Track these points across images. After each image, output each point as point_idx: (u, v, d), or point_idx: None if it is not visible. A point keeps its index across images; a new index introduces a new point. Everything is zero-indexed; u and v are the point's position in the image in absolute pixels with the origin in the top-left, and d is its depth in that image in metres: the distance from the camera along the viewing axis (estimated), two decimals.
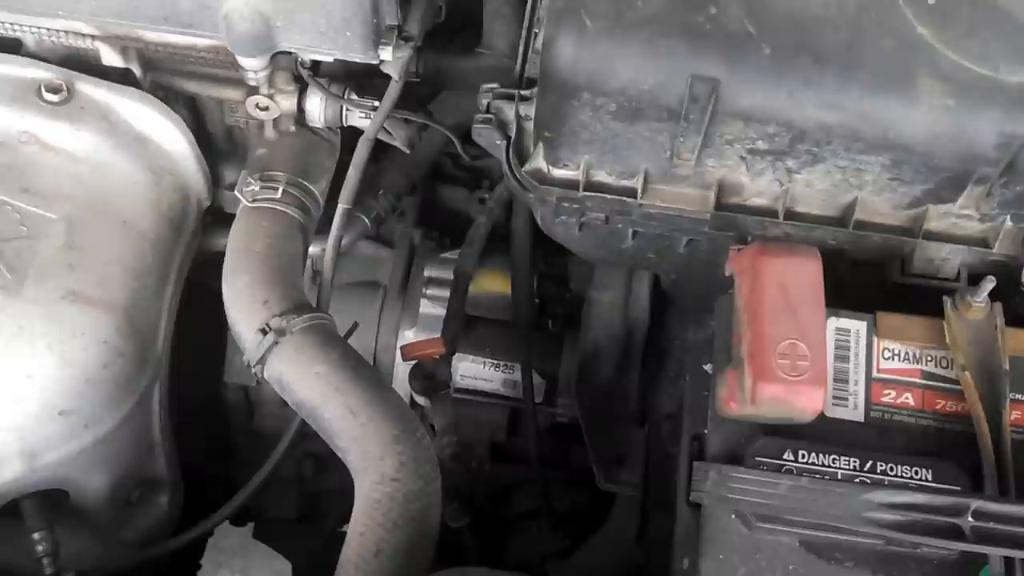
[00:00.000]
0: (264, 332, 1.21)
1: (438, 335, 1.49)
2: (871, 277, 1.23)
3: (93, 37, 1.30)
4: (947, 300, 1.14)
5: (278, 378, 1.21)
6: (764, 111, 1.09)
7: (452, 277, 1.56)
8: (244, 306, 1.25)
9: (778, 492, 1.02)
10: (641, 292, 1.54)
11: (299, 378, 1.19)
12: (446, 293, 1.55)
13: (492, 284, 1.63)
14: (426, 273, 1.63)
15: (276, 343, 1.20)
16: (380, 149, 1.47)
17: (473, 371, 1.60)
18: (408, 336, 1.60)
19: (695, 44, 1.07)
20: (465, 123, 1.34)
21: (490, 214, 1.56)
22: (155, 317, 1.32)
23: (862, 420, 1.10)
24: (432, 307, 1.60)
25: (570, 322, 1.62)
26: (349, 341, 1.28)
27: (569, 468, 1.66)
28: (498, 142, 1.20)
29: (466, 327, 1.58)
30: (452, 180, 1.77)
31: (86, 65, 1.32)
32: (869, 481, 1.05)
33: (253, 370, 1.22)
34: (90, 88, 1.31)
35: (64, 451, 1.25)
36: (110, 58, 1.32)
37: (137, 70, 1.33)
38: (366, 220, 1.53)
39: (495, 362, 1.60)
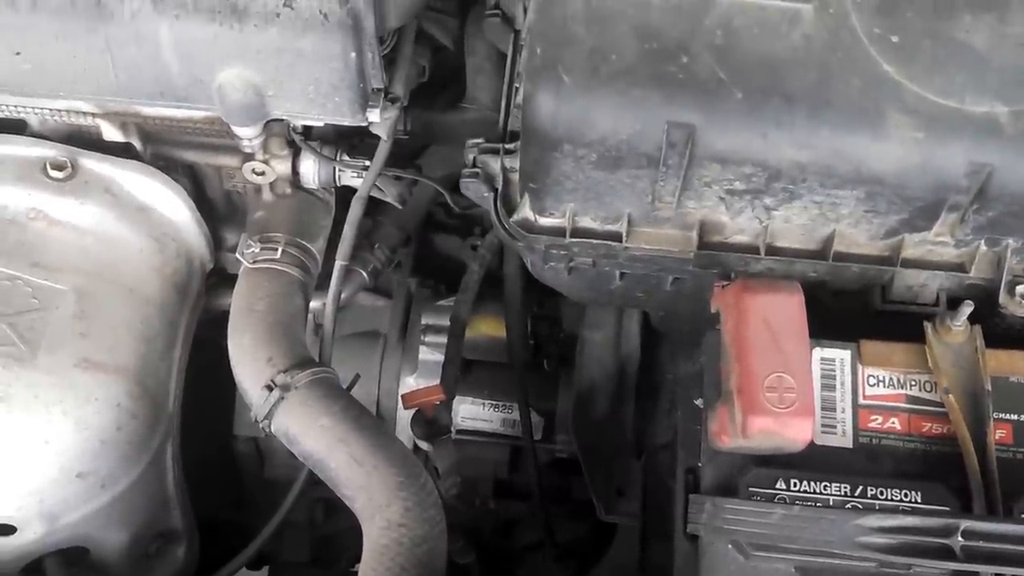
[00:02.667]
0: (270, 388, 1.21)
1: (438, 380, 1.48)
2: (853, 306, 1.22)
3: (94, 115, 1.30)
4: (928, 325, 1.13)
5: (285, 432, 1.20)
6: (739, 153, 1.08)
7: (449, 324, 1.55)
8: (249, 364, 1.25)
9: (772, 521, 1.00)
10: (632, 329, 1.54)
11: (305, 431, 1.18)
12: (444, 339, 1.54)
13: (488, 328, 1.63)
14: (424, 321, 1.63)
15: (281, 399, 1.20)
16: (374, 204, 1.48)
17: (473, 413, 1.60)
18: (409, 382, 1.60)
19: (669, 93, 1.06)
20: (454, 175, 1.33)
21: (482, 261, 1.56)
22: (165, 378, 1.32)
23: (851, 446, 1.09)
24: (431, 353, 1.60)
25: (564, 361, 1.62)
26: (353, 389, 1.28)
27: (570, 501, 1.65)
28: (486, 194, 1.20)
29: (465, 371, 1.57)
30: (445, 229, 1.77)
31: (88, 141, 1.33)
32: (860, 506, 1.03)
33: (261, 425, 1.22)
34: (93, 163, 1.31)
35: (83, 511, 1.25)
36: (111, 133, 1.32)
37: (137, 143, 1.34)
38: (364, 273, 1.53)
39: (494, 403, 1.60)
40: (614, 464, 1.52)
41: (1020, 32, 1.08)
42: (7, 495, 1.20)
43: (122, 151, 1.33)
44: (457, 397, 1.57)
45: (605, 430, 1.54)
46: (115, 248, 1.31)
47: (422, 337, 1.62)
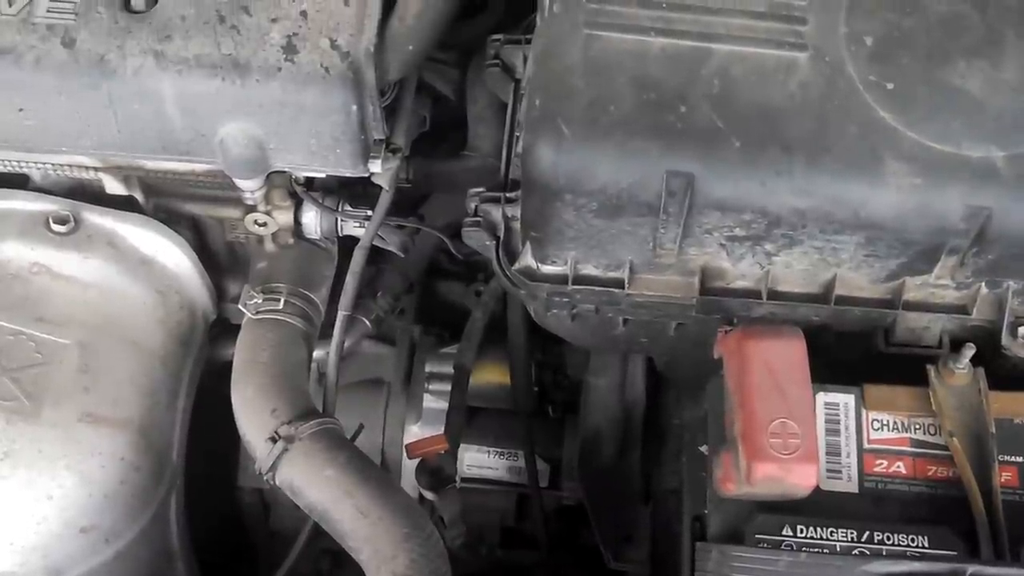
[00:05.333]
0: (274, 440, 1.22)
1: (442, 428, 1.50)
2: (856, 349, 1.24)
3: (96, 169, 1.33)
4: (931, 368, 1.15)
5: (289, 484, 1.22)
6: (739, 200, 1.10)
7: (452, 371, 1.57)
8: (253, 416, 1.26)
9: (779, 568, 1.02)
10: (636, 374, 1.55)
11: (309, 483, 1.20)
12: (448, 387, 1.56)
13: (492, 375, 1.64)
14: (428, 368, 1.65)
15: (286, 450, 1.21)
16: (377, 252, 1.50)
17: (479, 461, 1.61)
18: (413, 431, 1.61)
19: (668, 142, 1.09)
20: (456, 222, 1.36)
21: (485, 308, 1.58)
22: (169, 430, 1.34)
23: (856, 491, 1.11)
24: (435, 401, 1.62)
25: (570, 407, 1.63)
26: (358, 439, 1.30)
27: (578, 549, 1.66)
28: (488, 243, 1.23)
29: (469, 418, 1.59)
30: (447, 275, 1.79)
31: (91, 195, 1.35)
32: (867, 551, 1.05)
33: (265, 477, 1.23)
34: (95, 217, 1.34)
35: (87, 566, 1.26)
36: (113, 187, 1.34)
37: (139, 196, 1.36)
38: (367, 322, 1.54)
39: (499, 451, 1.61)
40: (621, 511, 1.53)
41: (1014, 77, 1.12)
42: (11, 550, 1.21)
43: (124, 204, 1.36)
44: (462, 445, 1.59)
45: (612, 476, 1.55)
46: (118, 301, 1.33)
47: (426, 385, 1.64)
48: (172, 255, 1.37)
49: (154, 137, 1.23)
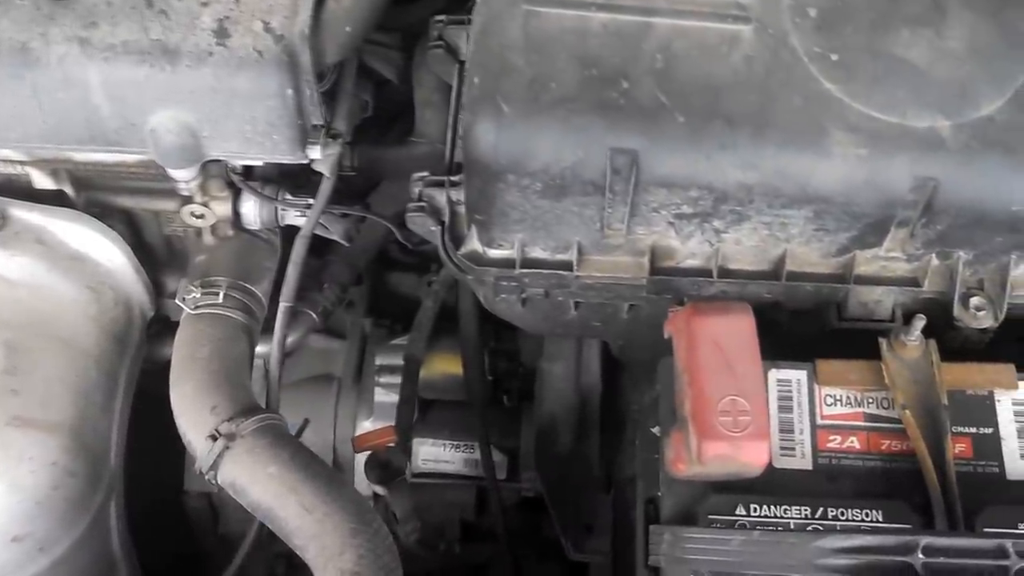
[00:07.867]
0: (214, 438, 1.22)
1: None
2: (810, 325, 1.27)
3: (22, 163, 1.33)
4: (883, 341, 1.18)
5: (232, 483, 1.22)
6: (685, 177, 1.13)
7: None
8: (193, 414, 1.26)
9: (731, 548, 1.04)
10: (591, 359, 1.58)
11: (252, 481, 1.20)
12: (400, 379, 1.58)
13: (445, 365, 1.66)
14: (378, 361, 1.67)
15: (227, 448, 1.21)
16: (323, 243, 1.51)
17: (434, 454, 1.63)
18: (365, 426, 1.63)
19: (611, 119, 1.11)
20: (404, 211, 1.37)
21: (436, 297, 1.60)
22: (105, 432, 1.33)
23: (810, 468, 1.13)
24: (387, 395, 1.64)
25: (526, 396, 1.65)
26: (307, 436, 1.31)
27: (540, 540, 1.68)
28: (432, 228, 1.24)
29: (423, 411, 1.61)
30: (400, 266, 1.81)
31: (17, 190, 1.35)
32: (821, 528, 1.07)
33: (206, 477, 1.23)
34: (23, 213, 1.33)
35: None
36: (41, 181, 1.35)
37: (69, 190, 1.36)
38: (313, 315, 1.55)
39: (455, 443, 1.64)
40: (581, 500, 1.55)
41: (957, 46, 1.15)
42: None
43: (54, 199, 1.35)
44: (417, 439, 1.61)
45: (570, 465, 1.57)
46: (48, 299, 1.32)
47: (377, 378, 1.65)
48: (105, 250, 1.36)
49: (81, 127, 1.23)
